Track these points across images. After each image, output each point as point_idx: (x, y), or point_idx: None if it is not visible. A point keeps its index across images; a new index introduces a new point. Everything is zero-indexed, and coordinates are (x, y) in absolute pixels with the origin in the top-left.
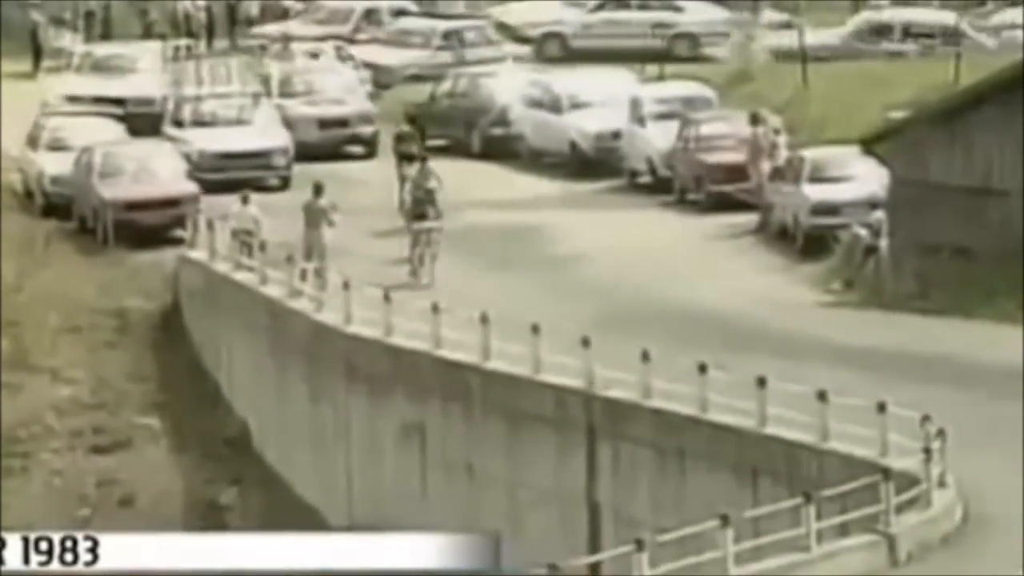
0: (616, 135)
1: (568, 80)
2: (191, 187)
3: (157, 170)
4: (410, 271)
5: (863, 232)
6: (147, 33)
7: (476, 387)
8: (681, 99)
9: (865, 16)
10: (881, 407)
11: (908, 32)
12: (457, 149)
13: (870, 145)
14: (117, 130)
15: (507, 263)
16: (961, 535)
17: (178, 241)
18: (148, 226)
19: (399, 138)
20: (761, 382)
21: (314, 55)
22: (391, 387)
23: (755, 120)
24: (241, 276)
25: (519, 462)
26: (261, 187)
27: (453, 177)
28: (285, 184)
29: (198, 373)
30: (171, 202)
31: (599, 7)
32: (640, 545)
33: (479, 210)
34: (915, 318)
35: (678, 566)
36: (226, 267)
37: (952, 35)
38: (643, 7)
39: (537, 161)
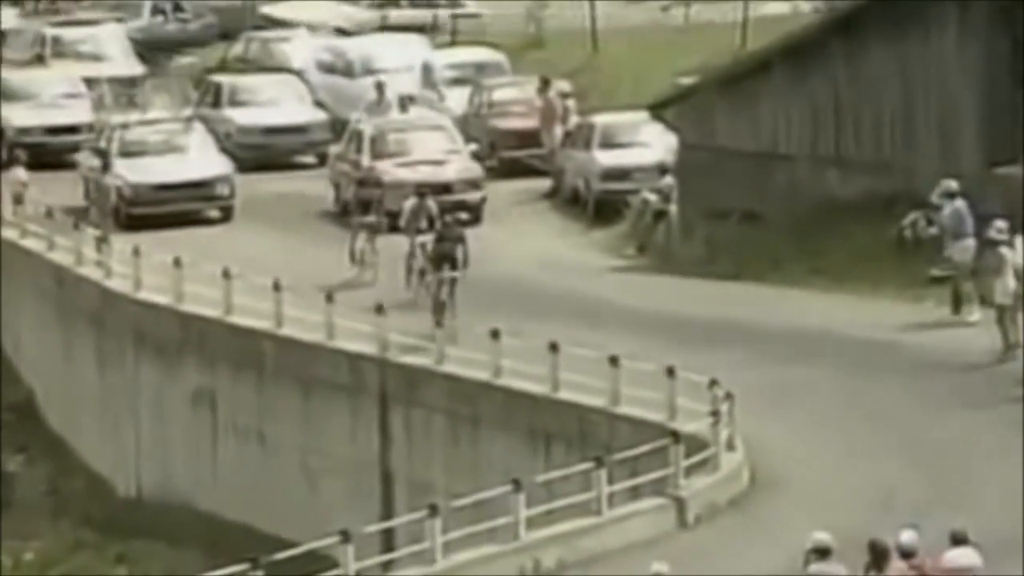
0: (410, 99)
1: (362, 45)
2: None
3: None
4: (435, 318)
5: (653, 197)
6: None
7: (269, 354)
8: (473, 65)
9: None
10: (670, 371)
11: None
12: None
13: (659, 111)
14: None
15: (295, 230)
16: (748, 497)
17: None
18: None
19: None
20: (553, 347)
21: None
22: (181, 354)
23: (545, 85)
24: (28, 242)
25: (312, 429)
26: (201, 220)
27: None
28: (228, 215)
29: None
30: None
31: None
32: (433, 511)
33: (273, 178)
34: (704, 283)
35: (471, 531)
36: (13, 234)
37: None
38: None
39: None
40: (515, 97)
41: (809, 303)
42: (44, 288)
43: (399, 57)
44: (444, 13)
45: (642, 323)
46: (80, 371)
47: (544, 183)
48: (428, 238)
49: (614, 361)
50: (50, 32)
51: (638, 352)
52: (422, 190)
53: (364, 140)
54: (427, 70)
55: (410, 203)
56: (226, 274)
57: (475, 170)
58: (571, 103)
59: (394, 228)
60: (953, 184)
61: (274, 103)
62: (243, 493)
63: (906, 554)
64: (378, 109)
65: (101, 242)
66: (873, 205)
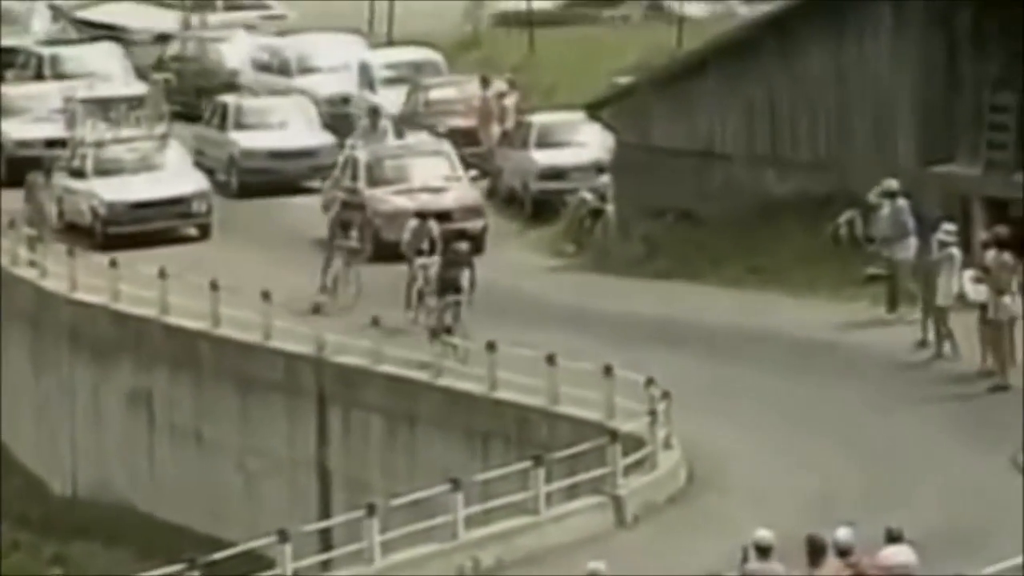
0: (346, 100)
1: (298, 44)
2: None
3: None
4: (439, 347)
5: (589, 197)
6: None
7: (206, 354)
8: (410, 64)
9: None
10: (608, 370)
11: None
12: (188, 115)
13: (595, 110)
14: None
15: (248, 235)
16: (686, 496)
17: None
18: None
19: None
20: (491, 347)
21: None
22: (117, 354)
23: (485, 84)
24: None
25: (249, 429)
26: (178, 238)
27: (185, 144)
28: (205, 233)
29: None
30: None
31: None
32: (371, 510)
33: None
34: (641, 282)
35: (409, 530)
36: None
37: None
38: None
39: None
40: (453, 96)
41: (746, 302)
42: None
43: (335, 56)
44: (252, 15)
45: (580, 322)
46: (15, 371)
47: (482, 183)
48: (428, 260)
49: (552, 360)
50: (47, 52)
51: (576, 351)
52: (422, 213)
53: (360, 167)
54: (364, 69)
55: (412, 225)
56: (162, 274)
57: (475, 197)
58: (508, 101)
59: (390, 256)
60: (894, 183)
61: (281, 126)
62: (180, 493)
63: (842, 551)
64: (373, 135)
65: (36, 241)
66: (809, 204)
